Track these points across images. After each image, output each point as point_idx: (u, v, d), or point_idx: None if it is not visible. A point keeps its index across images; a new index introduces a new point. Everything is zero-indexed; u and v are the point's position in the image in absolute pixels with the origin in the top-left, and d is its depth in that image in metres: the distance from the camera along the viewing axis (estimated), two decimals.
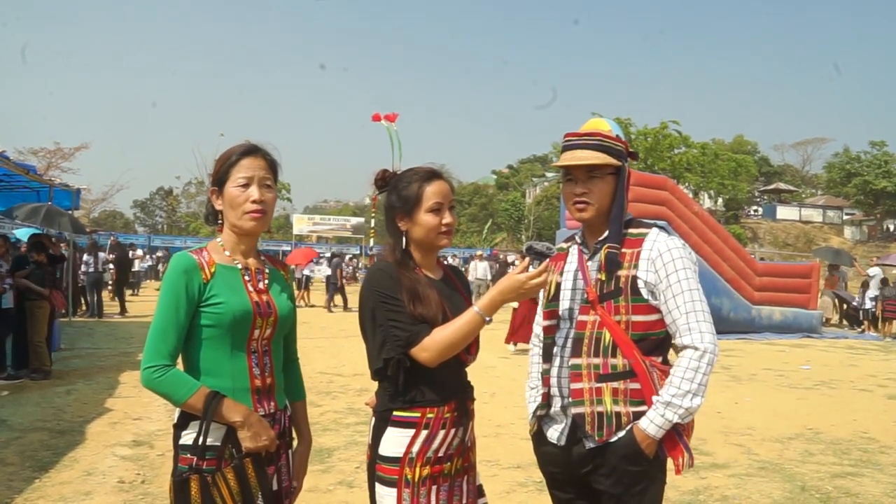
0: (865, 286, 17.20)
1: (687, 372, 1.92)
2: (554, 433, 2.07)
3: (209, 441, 1.79)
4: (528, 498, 4.30)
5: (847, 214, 50.06)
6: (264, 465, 1.85)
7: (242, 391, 1.86)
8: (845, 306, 18.59)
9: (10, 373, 7.90)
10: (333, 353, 10.56)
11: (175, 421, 1.86)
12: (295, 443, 2.11)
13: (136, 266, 23.18)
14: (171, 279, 1.82)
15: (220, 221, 1.98)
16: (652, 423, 1.92)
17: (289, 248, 41.22)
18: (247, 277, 1.93)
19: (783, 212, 48.15)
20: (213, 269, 1.87)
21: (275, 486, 1.92)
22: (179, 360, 1.86)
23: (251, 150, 1.93)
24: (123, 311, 15.97)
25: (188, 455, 1.80)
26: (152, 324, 1.82)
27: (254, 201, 1.88)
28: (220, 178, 1.92)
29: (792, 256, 36.12)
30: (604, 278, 2.00)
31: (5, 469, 4.63)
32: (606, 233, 2.05)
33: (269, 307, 1.92)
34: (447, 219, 2.00)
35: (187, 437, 1.81)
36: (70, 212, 13.52)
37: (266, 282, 1.98)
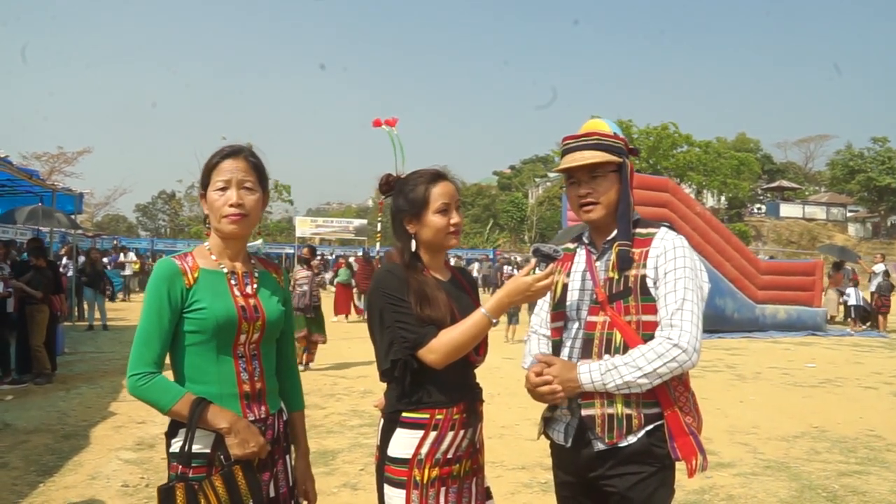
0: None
1: (650, 353, 1.84)
2: (559, 435, 2.03)
3: (198, 448, 1.76)
4: (532, 499, 4.29)
5: (851, 211, 49.88)
6: (257, 471, 1.82)
7: (230, 397, 1.83)
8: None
9: (15, 377, 7.92)
10: (337, 355, 10.57)
11: (167, 429, 1.84)
12: (293, 450, 2.06)
13: (128, 270, 22.99)
14: (154, 286, 1.81)
15: (207, 225, 1.95)
16: (588, 374, 1.88)
17: (291, 251, 41.19)
18: (233, 282, 1.90)
19: (786, 209, 47.92)
20: (196, 275, 1.84)
21: (272, 493, 1.88)
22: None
23: (232, 153, 1.90)
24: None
25: (175, 463, 1.78)
26: (137, 331, 1.80)
27: (231, 205, 1.85)
28: (203, 183, 1.91)
29: (796, 254, 36.05)
30: (616, 277, 1.97)
31: (10, 473, 4.64)
32: (615, 232, 2.03)
33: (255, 311, 1.88)
34: (455, 219, 2.00)
35: (175, 445, 1.79)
36: (73, 216, 13.47)
37: (255, 286, 1.94)
